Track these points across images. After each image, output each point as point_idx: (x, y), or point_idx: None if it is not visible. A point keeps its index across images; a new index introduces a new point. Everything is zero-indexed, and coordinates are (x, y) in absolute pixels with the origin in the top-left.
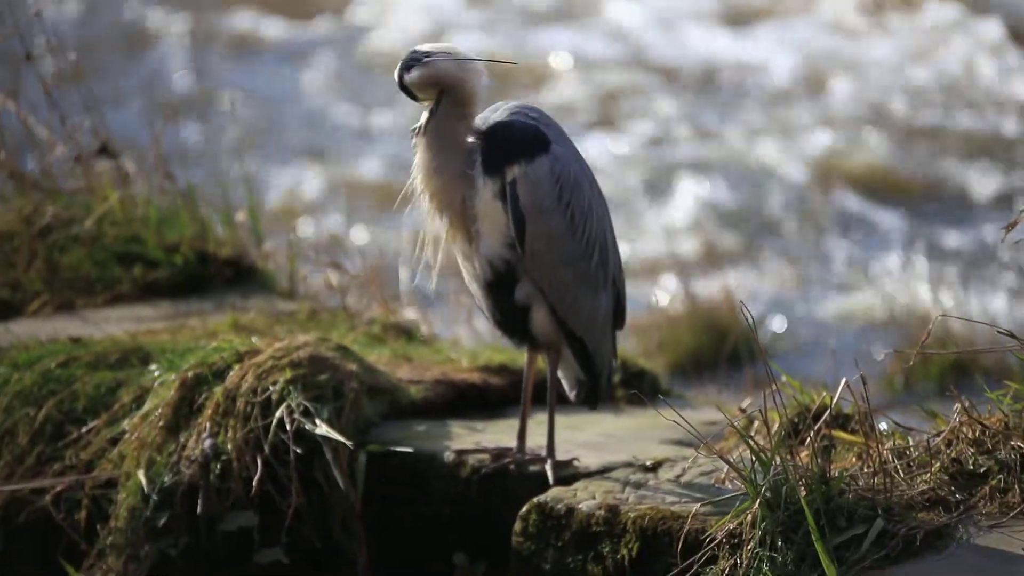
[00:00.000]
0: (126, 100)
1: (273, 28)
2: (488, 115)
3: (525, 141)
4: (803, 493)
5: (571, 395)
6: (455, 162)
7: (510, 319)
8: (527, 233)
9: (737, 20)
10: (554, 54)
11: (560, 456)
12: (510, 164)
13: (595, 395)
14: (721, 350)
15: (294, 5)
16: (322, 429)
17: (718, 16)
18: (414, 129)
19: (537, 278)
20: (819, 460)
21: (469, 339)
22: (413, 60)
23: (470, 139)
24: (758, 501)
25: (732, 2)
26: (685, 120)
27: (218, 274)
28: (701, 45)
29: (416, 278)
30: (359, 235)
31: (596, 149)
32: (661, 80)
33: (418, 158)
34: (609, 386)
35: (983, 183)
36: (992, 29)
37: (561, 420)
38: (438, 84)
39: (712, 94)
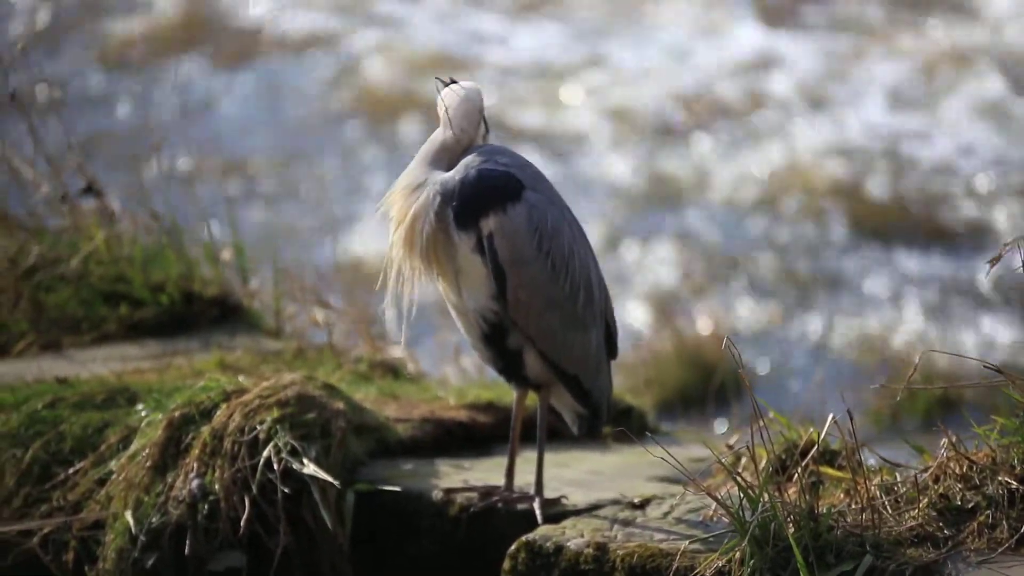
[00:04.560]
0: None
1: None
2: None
3: (495, 190)
4: (791, 530)
5: (573, 429)
6: (428, 191)
7: (510, 365)
8: (508, 285)
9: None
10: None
11: (548, 494)
12: (484, 216)
13: (597, 426)
14: (708, 386)
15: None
16: (310, 468)
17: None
18: None
19: (523, 326)
20: (807, 496)
21: (456, 376)
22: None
23: (443, 175)
24: (746, 538)
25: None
26: (670, 152)
27: (204, 313)
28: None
29: (388, 312)
30: (345, 271)
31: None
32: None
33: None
34: (609, 414)
35: (969, 216)
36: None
37: (549, 458)
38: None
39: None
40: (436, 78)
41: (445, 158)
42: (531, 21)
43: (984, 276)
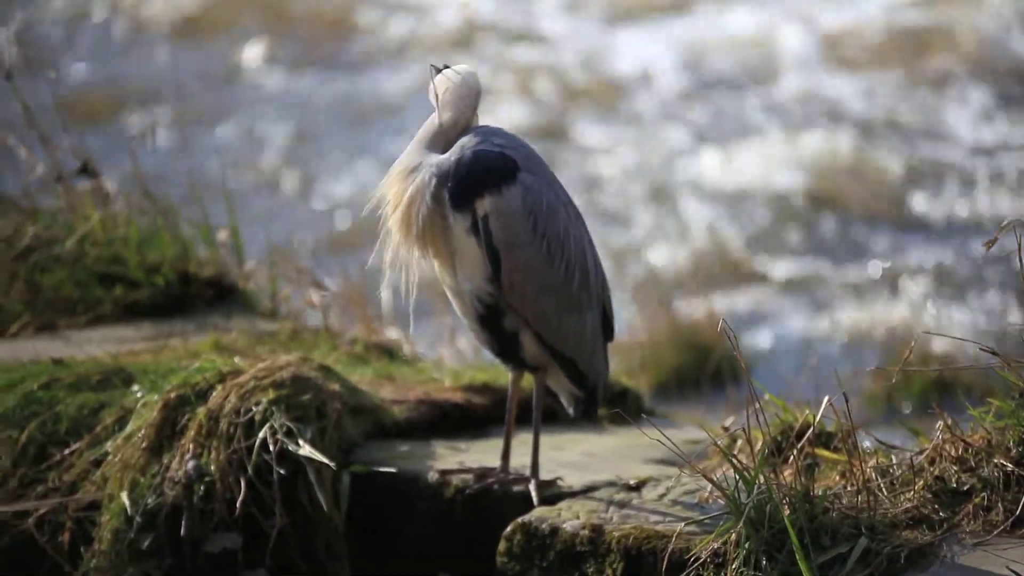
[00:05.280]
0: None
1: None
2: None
3: (491, 172)
4: (787, 512)
5: (569, 410)
6: (424, 174)
7: (506, 347)
8: (503, 267)
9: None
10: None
11: (544, 476)
12: (479, 197)
13: (593, 408)
14: (704, 369)
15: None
16: (305, 450)
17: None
18: None
19: (519, 309)
20: (802, 478)
21: (452, 358)
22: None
23: (439, 157)
24: (742, 520)
25: None
26: (666, 138)
27: (199, 294)
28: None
29: (385, 294)
30: (341, 253)
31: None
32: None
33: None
34: (605, 396)
35: (966, 201)
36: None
37: (544, 440)
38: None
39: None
40: (431, 65)
41: (441, 142)
42: None
43: (980, 259)
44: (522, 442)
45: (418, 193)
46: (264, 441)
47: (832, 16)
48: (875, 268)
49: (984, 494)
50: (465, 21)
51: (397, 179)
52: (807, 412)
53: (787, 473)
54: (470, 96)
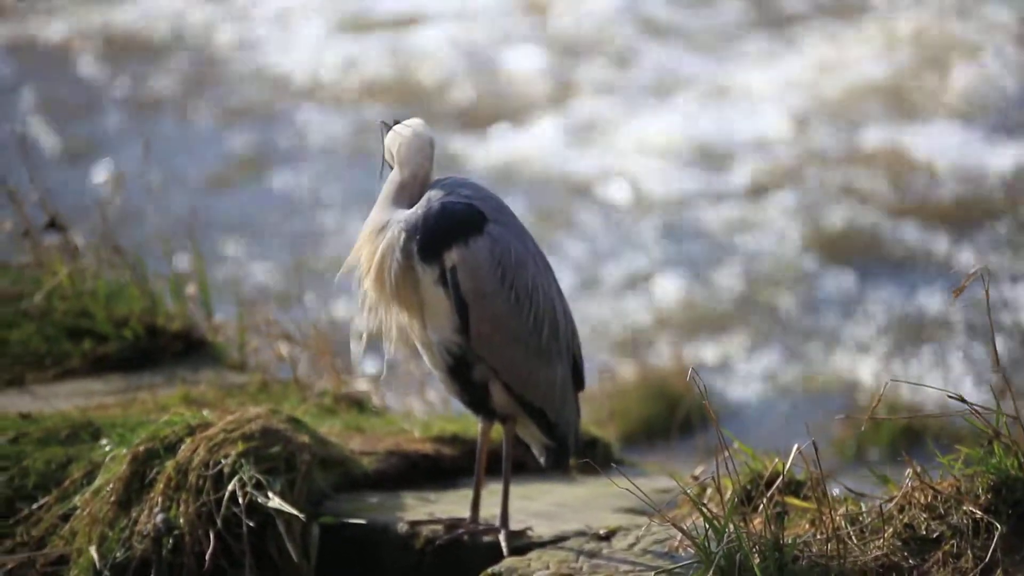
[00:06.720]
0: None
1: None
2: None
3: (457, 223)
4: (757, 560)
5: (541, 460)
6: (393, 230)
7: (476, 398)
8: (471, 318)
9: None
10: None
11: (514, 526)
12: (447, 249)
13: (564, 458)
14: (673, 418)
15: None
16: (275, 502)
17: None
18: None
19: (488, 359)
20: (772, 527)
21: (421, 409)
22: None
23: (406, 212)
24: (712, 569)
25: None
26: (636, 186)
27: (168, 347)
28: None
29: (361, 351)
30: (309, 305)
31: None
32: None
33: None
34: (576, 446)
35: (936, 248)
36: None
37: (514, 490)
38: (391, 152)
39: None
40: (381, 122)
41: (405, 197)
42: None
43: (950, 306)
44: (492, 492)
45: (389, 250)
46: (233, 493)
47: None
48: (845, 315)
49: (953, 541)
50: None
51: (368, 239)
52: (776, 460)
53: (757, 521)
54: (425, 147)
